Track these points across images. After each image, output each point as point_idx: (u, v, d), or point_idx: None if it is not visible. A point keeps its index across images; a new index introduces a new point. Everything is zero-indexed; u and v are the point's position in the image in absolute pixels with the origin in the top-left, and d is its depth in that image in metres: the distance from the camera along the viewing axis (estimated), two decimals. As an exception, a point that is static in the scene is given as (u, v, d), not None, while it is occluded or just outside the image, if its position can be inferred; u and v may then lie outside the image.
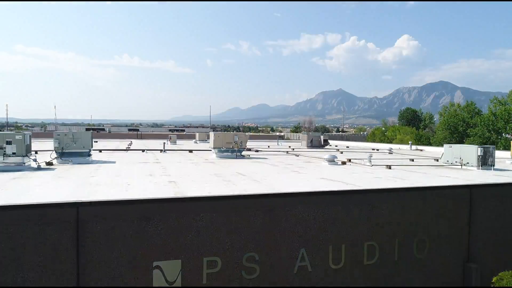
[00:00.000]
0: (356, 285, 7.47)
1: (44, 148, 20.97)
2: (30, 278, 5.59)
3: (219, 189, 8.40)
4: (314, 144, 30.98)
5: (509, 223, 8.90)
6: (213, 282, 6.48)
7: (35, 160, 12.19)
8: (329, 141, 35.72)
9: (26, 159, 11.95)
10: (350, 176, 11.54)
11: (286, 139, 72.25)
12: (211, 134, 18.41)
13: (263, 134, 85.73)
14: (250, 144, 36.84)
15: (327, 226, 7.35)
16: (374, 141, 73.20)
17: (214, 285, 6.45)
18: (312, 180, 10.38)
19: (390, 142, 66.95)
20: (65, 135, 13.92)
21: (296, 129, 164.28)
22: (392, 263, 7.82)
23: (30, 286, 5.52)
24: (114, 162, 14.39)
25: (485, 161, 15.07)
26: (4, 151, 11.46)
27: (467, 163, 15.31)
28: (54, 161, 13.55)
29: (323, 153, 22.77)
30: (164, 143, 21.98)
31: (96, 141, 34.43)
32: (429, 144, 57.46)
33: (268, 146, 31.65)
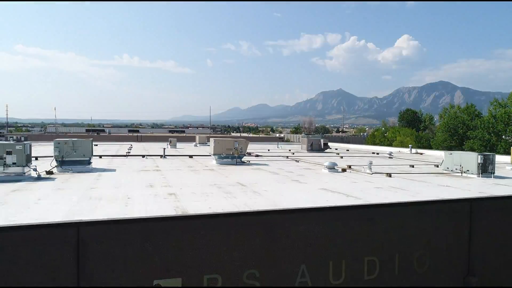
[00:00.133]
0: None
1: (44, 154, 20.97)
2: (30, 298, 5.58)
3: (219, 203, 8.40)
4: (314, 147, 30.96)
5: (510, 237, 8.89)
6: (214, 300, 6.48)
7: (35, 170, 12.18)
8: (329, 144, 35.70)
9: (26, 169, 11.96)
10: (351, 186, 11.54)
11: (286, 141, 72.31)
12: (211, 140, 18.41)
13: (263, 135, 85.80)
14: (250, 146, 36.80)
15: (328, 241, 7.34)
16: (374, 142, 73.27)
17: (215, 302, 6.45)
18: (312, 191, 10.38)
19: (390, 144, 67.02)
20: (65, 143, 13.91)
21: (296, 130, 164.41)
22: (392, 278, 7.82)
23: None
24: (114, 170, 14.39)
25: (485, 169, 15.07)
26: (5, 161, 11.46)
27: (467, 170, 15.31)
28: (54, 170, 13.56)
29: (323, 158, 22.79)
30: (164, 149, 21.97)
31: (96, 145, 34.44)
32: (429, 146, 57.52)
33: (268, 150, 31.65)
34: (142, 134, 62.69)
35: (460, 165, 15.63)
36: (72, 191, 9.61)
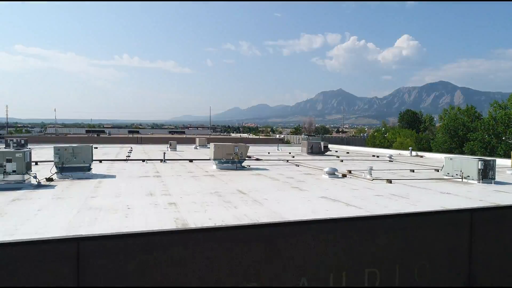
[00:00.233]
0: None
1: (45, 157, 20.93)
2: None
3: (220, 214, 8.38)
4: (314, 150, 30.96)
5: (510, 247, 8.87)
6: (214, 313, 6.45)
7: (35, 177, 12.16)
8: (329, 146, 35.67)
9: (26, 176, 11.95)
10: (351, 194, 11.52)
11: (286, 142, 72.26)
12: (212, 145, 18.39)
13: (263, 137, 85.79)
14: (250, 149, 36.74)
15: (328, 254, 7.32)
16: (374, 143, 73.24)
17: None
18: (313, 200, 10.36)
19: (390, 145, 67.00)
20: (65, 150, 13.90)
21: (296, 131, 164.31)
22: (393, 290, 7.79)
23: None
24: (114, 177, 14.36)
25: (486, 175, 15.06)
26: (5, 169, 11.46)
27: (468, 176, 15.30)
28: (54, 176, 13.55)
29: (323, 162, 22.78)
30: (164, 153, 21.94)
31: (96, 147, 34.45)
32: (429, 148, 57.50)
33: (269, 153, 31.65)
34: (142, 136, 62.68)
35: (461, 171, 15.63)
36: (72, 201, 9.59)
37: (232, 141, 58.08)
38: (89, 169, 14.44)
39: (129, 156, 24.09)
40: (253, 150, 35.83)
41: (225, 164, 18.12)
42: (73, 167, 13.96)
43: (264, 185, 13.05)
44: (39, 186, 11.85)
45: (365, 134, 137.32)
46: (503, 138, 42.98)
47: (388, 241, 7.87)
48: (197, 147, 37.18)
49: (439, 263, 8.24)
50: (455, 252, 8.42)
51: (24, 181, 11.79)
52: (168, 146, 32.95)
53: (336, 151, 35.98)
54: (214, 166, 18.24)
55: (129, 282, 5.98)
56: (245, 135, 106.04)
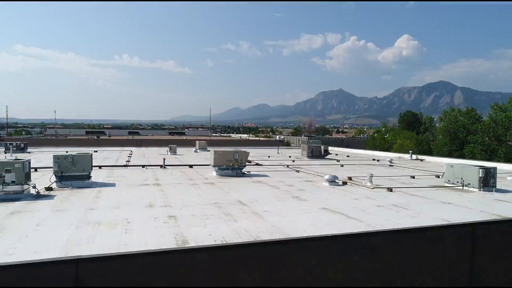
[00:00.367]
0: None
1: (44, 162, 20.81)
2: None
3: (220, 228, 8.33)
4: (315, 154, 30.90)
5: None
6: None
7: (34, 187, 12.11)
8: (329, 150, 35.59)
9: (25, 186, 11.89)
10: (351, 204, 11.46)
11: (286, 144, 72.17)
12: (212, 152, 18.32)
13: (263, 139, 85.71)
14: (250, 151, 36.63)
15: (328, 270, 7.27)
16: (374, 145, 73.19)
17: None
18: (313, 212, 10.31)
19: (390, 147, 66.94)
20: (65, 158, 13.84)
21: (296, 131, 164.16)
22: (394, 306, 7.74)
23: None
24: (114, 185, 14.31)
25: (487, 182, 15.01)
26: (3, 180, 11.40)
27: (469, 184, 15.25)
28: (54, 185, 13.50)
29: (324, 168, 22.73)
30: (164, 159, 21.87)
31: (96, 151, 34.41)
32: (430, 150, 57.45)
33: (269, 156, 31.59)
34: (142, 138, 62.61)
35: (461, 178, 15.58)
36: (71, 213, 9.54)
37: (232, 143, 58.01)
38: (89, 177, 14.38)
39: (128, 161, 24.05)
40: (253, 153, 35.78)
41: (225, 171, 18.07)
42: (73, 175, 13.91)
43: (264, 194, 13.00)
44: (38, 196, 11.80)
45: (365, 135, 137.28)
46: (504, 138, 42.82)
47: (389, 257, 7.82)
48: (197, 150, 37.13)
49: (440, 278, 8.19)
50: (456, 267, 8.37)
51: (23, 191, 11.72)
52: (168, 149, 32.92)
53: (337, 154, 35.92)
54: (214, 173, 18.19)
55: (128, 304, 5.93)
56: (245, 136, 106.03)
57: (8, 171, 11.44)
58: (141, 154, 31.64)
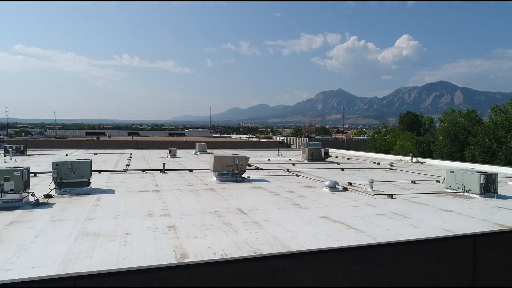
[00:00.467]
0: None
1: (44, 166, 20.70)
2: None
3: (219, 240, 8.25)
4: (315, 157, 30.83)
5: (514, 272, 8.77)
6: None
7: (33, 195, 12.04)
8: (329, 151, 35.51)
9: (24, 194, 11.83)
10: (352, 213, 11.39)
11: (286, 146, 72.15)
12: (211, 157, 18.24)
13: (263, 140, 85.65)
14: (250, 153, 36.58)
15: (329, 284, 7.21)
16: (374, 146, 73.15)
17: None
18: (313, 221, 10.24)
19: (391, 148, 66.88)
20: (64, 165, 13.77)
21: (296, 132, 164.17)
22: (395, 319, 7.69)
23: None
24: (113, 192, 14.24)
25: (488, 189, 14.95)
26: (2, 188, 11.34)
27: (470, 190, 15.19)
28: (53, 192, 13.43)
29: (324, 171, 22.66)
30: (164, 163, 21.78)
31: (96, 154, 34.35)
32: (430, 151, 57.39)
33: (269, 159, 31.53)
34: (142, 140, 62.54)
35: (462, 184, 15.52)
36: (69, 223, 9.47)
37: (232, 144, 57.85)
38: (88, 184, 14.32)
39: (128, 165, 23.98)
40: (253, 155, 35.74)
41: (225, 176, 18.01)
42: (72, 182, 13.84)
43: (264, 202, 12.93)
44: (37, 204, 11.73)
45: (365, 136, 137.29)
46: (506, 142, 42.72)
47: (390, 269, 7.77)
48: (197, 153, 37.09)
49: (442, 290, 8.14)
50: (458, 279, 8.31)
51: (22, 199, 11.66)
52: (168, 152, 32.85)
53: (337, 157, 35.87)
54: (214, 178, 18.12)
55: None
56: (245, 137, 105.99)
57: (6, 179, 11.38)
58: (141, 157, 31.57)
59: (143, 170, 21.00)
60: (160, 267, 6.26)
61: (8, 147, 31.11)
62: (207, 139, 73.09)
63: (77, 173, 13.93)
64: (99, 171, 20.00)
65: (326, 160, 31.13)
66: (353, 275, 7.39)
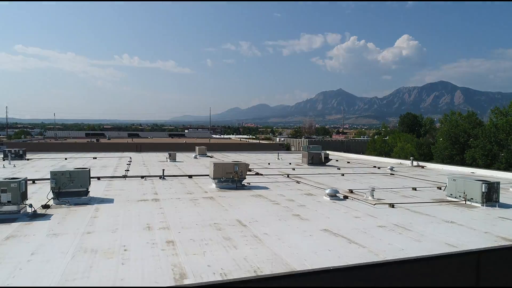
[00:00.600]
0: None
1: (43, 172, 20.48)
2: None
3: (218, 257, 8.12)
4: (315, 161, 30.71)
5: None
6: None
7: (30, 206, 11.91)
8: (330, 154, 35.39)
9: (21, 206, 11.69)
10: (353, 225, 11.25)
11: (286, 147, 71.94)
12: (211, 163, 18.11)
13: (263, 142, 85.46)
14: (250, 156, 36.60)
15: (331, 304, 7.09)
16: (374, 148, 72.99)
17: None
18: (314, 234, 10.11)
19: (391, 150, 66.73)
20: (62, 174, 13.64)
21: (296, 133, 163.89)
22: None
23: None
24: (112, 201, 14.10)
25: (490, 198, 14.82)
26: (-1, 200, 11.20)
27: (471, 198, 15.06)
28: (51, 202, 13.29)
29: (325, 177, 22.52)
30: (163, 170, 21.65)
31: (95, 157, 34.20)
32: (430, 153, 57.21)
33: (269, 163, 31.39)
34: (142, 142, 62.36)
35: (464, 193, 15.39)
36: (67, 238, 9.34)
37: (231, 147, 57.70)
38: (86, 193, 14.18)
39: (128, 171, 23.84)
40: (253, 159, 35.63)
41: (224, 183, 17.87)
42: (70, 191, 13.71)
43: (264, 212, 12.79)
44: (35, 216, 11.60)
45: (365, 136, 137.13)
46: (506, 144, 42.50)
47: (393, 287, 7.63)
48: (197, 156, 36.97)
49: (445, 309, 8.00)
50: (461, 296, 8.18)
51: (20, 211, 11.52)
52: (168, 156, 32.71)
53: (337, 160, 35.74)
54: (214, 185, 17.98)
55: None
56: (244, 138, 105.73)
57: (4, 191, 11.25)
58: (140, 162, 31.43)
59: (142, 177, 20.86)
60: (158, 290, 6.13)
61: (7, 151, 30.98)
62: (207, 140, 72.96)
63: (75, 183, 13.80)
64: (98, 178, 19.86)
65: (327, 164, 30.99)
66: (355, 294, 7.27)
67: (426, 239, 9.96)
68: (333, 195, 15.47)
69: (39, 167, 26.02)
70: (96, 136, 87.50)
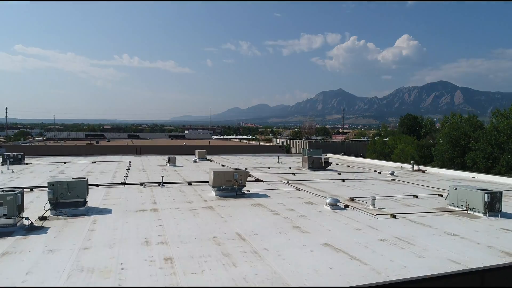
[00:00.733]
0: None
1: (41, 179, 20.31)
2: None
3: (217, 276, 7.97)
4: (315, 166, 30.55)
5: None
6: None
7: (27, 219, 11.75)
8: (330, 158, 35.20)
9: (18, 219, 11.53)
10: (354, 238, 11.10)
11: (286, 149, 71.80)
12: (211, 171, 17.94)
13: (263, 143, 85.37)
14: (250, 159, 36.47)
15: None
16: (375, 149, 72.80)
17: None
18: (315, 250, 9.95)
19: (391, 152, 66.56)
20: (60, 185, 13.48)
21: (296, 134, 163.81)
22: None
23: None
24: (110, 212, 13.93)
25: (492, 207, 14.66)
26: (-5, 213, 11.04)
27: (474, 208, 14.91)
28: (48, 213, 13.14)
29: (325, 183, 22.36)
30: (163, 177, 21.48)
31: (94, 162, 34.05)
32: (430, 155, 57.06)
33: (269, 168, 31.23)
34: (142, 144, 62.26)
35: (466, 202, 15.24)
36: (64, 254, 9.18)
37: (231, 149, 57.57)
38: (84, 203, 14.03)
39: (127, 177, 23.69)
40: (253, 162, 35.48)
41: (224, 191, 17.71)
42: (68, 202, 13.55)
43: (264, 224, 12.63)
44: (31, 229, 11.44)
45: (366, 137, 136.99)
46: (507, 147, 42.30)
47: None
48: (197, 160, 36.82)
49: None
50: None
51: (16, 224, 11.36)
52: (167, 161, 32.55)
53: (337, 164, 35.60)
54: (213, 193, 17.82)
55: None
56: (244, 140, 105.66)
57: (0, 204, 11.08)
58: (140, 166, 31.27)
59: (141, 184, 20.70)
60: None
61: (5, 156, 30.80)
62: (206, 142, 72.85)
63: (73, 193, 13.64)
64: (97, 185, 19.70)
65: (327, 168, 30.83)
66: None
67: (429, 254, 9.79)
68: (334, 205, 15.31)
69: (37, 173, 25.85)
70: (96, 138, 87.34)
